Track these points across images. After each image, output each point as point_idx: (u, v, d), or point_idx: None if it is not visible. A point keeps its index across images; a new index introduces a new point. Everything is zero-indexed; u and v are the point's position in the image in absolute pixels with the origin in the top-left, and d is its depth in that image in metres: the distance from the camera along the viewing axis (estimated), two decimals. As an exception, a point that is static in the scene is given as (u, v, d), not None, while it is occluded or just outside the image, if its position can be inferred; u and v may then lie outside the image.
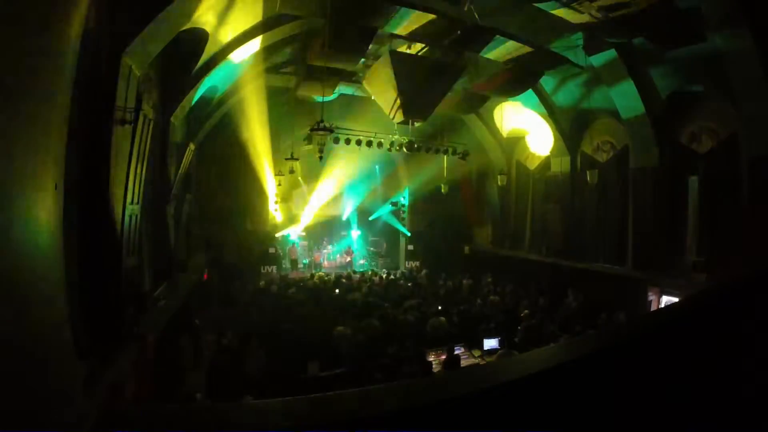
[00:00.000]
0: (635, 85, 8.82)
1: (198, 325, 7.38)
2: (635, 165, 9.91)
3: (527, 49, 8.75)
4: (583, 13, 7.20)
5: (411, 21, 8.13)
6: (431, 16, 7.49)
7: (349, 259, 17.98)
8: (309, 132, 9.05)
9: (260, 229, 14.32)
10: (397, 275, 14.21)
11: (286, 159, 12.73)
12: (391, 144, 11.55)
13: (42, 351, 0.84)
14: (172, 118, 7.59)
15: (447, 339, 7.13)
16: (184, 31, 5.72)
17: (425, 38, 8.31)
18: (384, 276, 13.23)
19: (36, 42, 0.83)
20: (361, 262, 17.95)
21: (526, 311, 8.13)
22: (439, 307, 8.62)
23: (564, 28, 8.06)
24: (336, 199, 17.58)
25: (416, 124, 10.17)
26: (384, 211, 17.96)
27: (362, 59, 8.58)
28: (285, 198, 16.30)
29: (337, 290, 10.62)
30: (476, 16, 7.21)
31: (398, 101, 8.29)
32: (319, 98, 10.66)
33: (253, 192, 14.00)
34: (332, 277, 12.44)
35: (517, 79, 9.22)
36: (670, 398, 1.26)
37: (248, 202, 13.90)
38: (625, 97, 9.22)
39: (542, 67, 9.22)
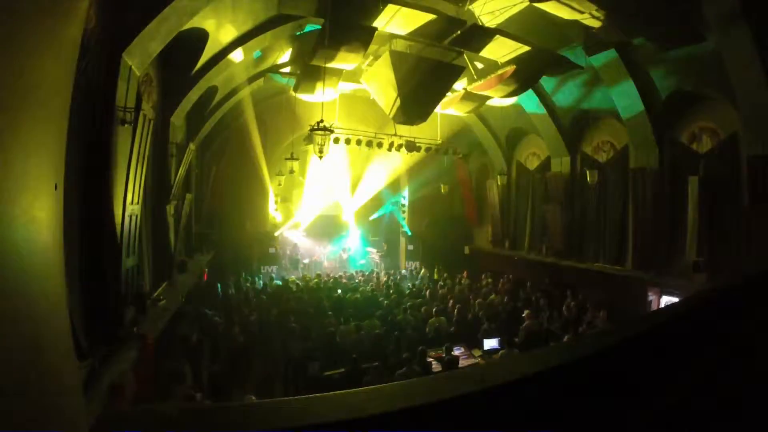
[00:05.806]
0: (635, 85, 8.81)
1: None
2: (635, 165, 9.90)
3: (527, 48, 8.73)
4: (583, 12, 7.20)
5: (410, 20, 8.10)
6: (431, 16, 7.47)
7: (345, 255, 18.01)
8: (309, 132, 9.04)
9: (260, 229, 14.32)
10: (398, 275, 14.22)
11: (286, 159, 12.74)
12: (391, 144, 11.54)
13: (41, 351, 0.84)
14: (172, 118, 7.59)
15: (447, 339, 7.15)
16: (184, 31, 5.72)
17: (425, 38, 8.29)
18: (384, 276, 13.23)
19: (35, 41, 0.83)
20: (361, 262, 17.97)
21: (527, 311, 8.13)
22: (438, 307, 8.61)
23: (564, 28, 8.04)
24: (336, 199, 17.62)
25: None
26: (384, 212, 17.99)
27: (362, 59, 8.57)
28: (285, 198, 16.34)
29: (339, 291, 10.62)
30: (477, 17, 7.20)
31: (398, 101, 8.28)
32: (319, 98, 10.65)
33: (253, 192, 14.01)
34: (332, 277, 12.43)
35: (517, 79, 9.20)
36: (669, 399, 1.26)
37: (248, 202, 13.92)
38: (625, 97, 9.21)
39: (542, 68, 9.20)
